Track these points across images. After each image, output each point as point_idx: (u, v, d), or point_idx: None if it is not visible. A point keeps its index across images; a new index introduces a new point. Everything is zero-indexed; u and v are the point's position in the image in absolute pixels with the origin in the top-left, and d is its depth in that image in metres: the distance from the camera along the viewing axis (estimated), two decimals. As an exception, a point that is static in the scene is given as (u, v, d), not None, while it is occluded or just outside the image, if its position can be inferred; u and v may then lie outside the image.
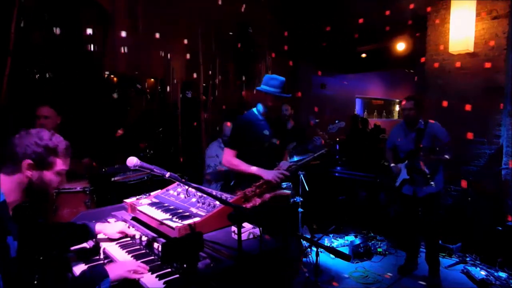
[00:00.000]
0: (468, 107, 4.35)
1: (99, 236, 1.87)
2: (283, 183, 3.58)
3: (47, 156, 1.44)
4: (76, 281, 1.43)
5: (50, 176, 1.46)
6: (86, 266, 1.67)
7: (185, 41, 5.04)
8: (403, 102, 3.55)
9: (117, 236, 1.89)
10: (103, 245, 1.81)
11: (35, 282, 1.44)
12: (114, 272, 1.46)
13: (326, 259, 3.95)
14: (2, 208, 1.33)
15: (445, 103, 4.48)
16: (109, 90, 4.43)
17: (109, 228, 1.91)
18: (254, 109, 2.87)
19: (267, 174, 2.61)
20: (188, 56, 5.12)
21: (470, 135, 4.29)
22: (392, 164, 3.71)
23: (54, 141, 1.47)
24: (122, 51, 4.42)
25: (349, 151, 6.46)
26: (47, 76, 3.73)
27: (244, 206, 2.59)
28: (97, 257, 1.78)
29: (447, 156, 3.34)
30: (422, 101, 3.52)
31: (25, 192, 1.44)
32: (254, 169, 2.67)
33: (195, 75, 5.14)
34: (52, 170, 1.47)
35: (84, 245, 1.88)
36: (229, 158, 2.78)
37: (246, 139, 2.76)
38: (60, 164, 1.49)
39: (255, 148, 2.76)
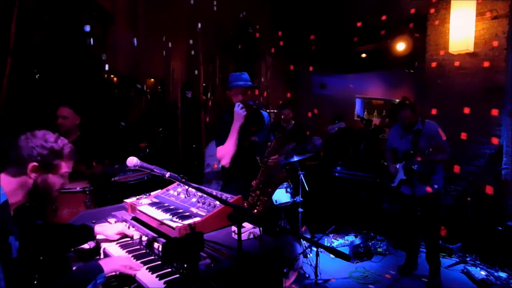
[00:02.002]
0: (467, 110, 4.36)
1: (99, 236, 1.87)
2: (282, 184, 3.60)
3: (52, 159, 1.44)
4: (71, 276, 1.44)
5: (54, 179, 1.47)
6: (86, 266, 1.68)
7: (185, 41, 5.04)
8: (399, 112, 3.50)
9: (117, 237, 1.89)
10: (103, 245, 1.82)
11: (35, 282, 1.44)
12: (108, 266, 1.48)
13: (326, 259, 3.95)
14: (4, 209, 1.33)
15: (452, 98, 4.45)
16: (109, 90, 4.43)
17: (109, 229, 1.91)
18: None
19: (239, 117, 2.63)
20: (188, 56, 5.11)
21: (463, 135, 4.29)
22: (391, 165, 3.72)
23: (59, 143, 1.48)
24: (122, 51, 4.42)
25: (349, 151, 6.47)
26: (47, 76, 3.73)
27: (257, 210, 2.62)
28: (98, 257, 1.78)
29: (443, 156, 3.34)
30: (415, 105, 3.51)
31: (29, 194, 1.44)
32: (234, 128, 2.68)
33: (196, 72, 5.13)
34: (57, 173, 1.47)
35: (85, 245, 1.88)
36: (221, 150, 2.81)
37: (226, 137, 2.80)
38: (64, 167, 1.50)
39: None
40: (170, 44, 4.88)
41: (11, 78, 3.44)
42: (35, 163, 1.40)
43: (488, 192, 4.18)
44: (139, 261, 1.63)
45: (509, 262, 3.67)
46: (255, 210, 2.63)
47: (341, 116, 7.01)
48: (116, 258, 1.61)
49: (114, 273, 1.51)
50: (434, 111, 4.58)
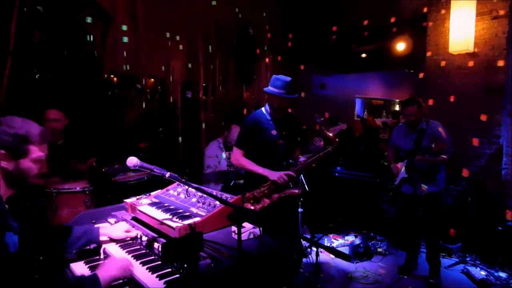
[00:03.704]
0: (467, 110, 4.35)
1: (103, 237, 1.86)
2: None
3: (18, 145, 1.39)
4: None
5: (27, 164, 1.42)
6: (87, 266, 1.67)
7: (185, 41, 5.04)
8: (405, 108, 3.52)
9: (124, 235, 1.88)
10: (103, 245, 1.81)
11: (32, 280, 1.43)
12: (104, 275, 1.43)
13: (326, 259, 3.94)
14: None
15: (452, 98, 4.43)
16: (109, 90, 4.43)
17: (113, 230, 1.89)
18: (263, 109, 2.87)
19: (273, 175, 2.62)
20: (188, 56, 5.11)
21: (475, 141, 4.27)
22: (392, 164, 3.73)
23: (25, 127, 1.42)
24: (122, 51, 4.42)
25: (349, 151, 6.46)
26: (47, 76, 3.73)
27: (254, 207, 2.62)
28: (97, 256, 1.78)
29: (444, 156, 3.34)
30: (422, 102, 3.52)
31: (9, 184, 1.41)
32: (260, 169, 2.68)
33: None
34: (28, 158, 1.42)
35: (85, 245, 1.88)
36: (237, 157, 2.81)
37: (253, 139, 2.78)
38: (36, 151, 1.44)
39: (262, 148, 2.77)
40: (170, 44, 4.88)
41: (11, 78, 3.44)
42: (2, 151, 1.36)
43: (489, 191, 4.18)
44: (139, 261, 1.63)
45: (509, 262, 3.67)
46: (251, 206, 2.63)
47: (337, 117, 7.00)
48: (110, 263, 1.53)
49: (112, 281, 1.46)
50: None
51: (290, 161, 2.79)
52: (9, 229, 1.31)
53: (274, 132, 2.78)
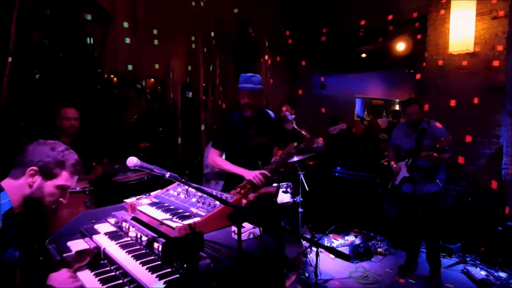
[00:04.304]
0: (466, 110, 4.35)
1: (99, 236, 1.87)
2: (283, 183, 3.59)
3: (52, 167, 1.44)
4: None
5: (50, 189, 1.46)
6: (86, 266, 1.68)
7: (185, 41, 5.04)
8: (407, 108, 3.51)
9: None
10: (103, 245, 1.81)
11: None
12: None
13: (326, 259, 3.95)
14: (9, 217, 1.33)
15: (453, 102, 4.45)
16: (109, 90, 4.43)
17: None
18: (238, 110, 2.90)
19: (248, 174, 2.63)
20: (188, 56, 5.11)
21: (469, 138, 4.28)
22: (393, 163, 3.72)
23: (65, 154, 1.48)
24: (122, 51, 4.42)
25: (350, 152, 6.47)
26: (47, 76, 3.73)
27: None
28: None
29: (447, 155, 3.36)
30: (423, 102, 3.53)
31: (24, 200, 1.43)
32: (236, 168, 2.69)
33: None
34: (54, 182, 1.46)
35: (84, 245, 1.88)
36: (213, 158, 2.83)
37: (227, 139, 2.79)
38: (64, 179, 1.48)
39: (236, 147, 2.79)
40: (170, 44, 4.88)
41: (11, 78, 3.44)
42: (34, 167, 1.40)
43: (489, 191, 4.19)
44: (139, 261, 1.63)
45: (509, 262, 3.67)
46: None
47: (337, 118, 7.01)
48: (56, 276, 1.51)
49: None
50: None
51: (259, 162, 2.77)
52: (10, 246, 1.31)
53: (247, 131, 2.78)
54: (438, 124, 3.51)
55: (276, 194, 2.79)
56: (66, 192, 1.53)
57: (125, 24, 4.40)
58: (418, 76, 4.95)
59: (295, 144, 3.06)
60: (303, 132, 2.94)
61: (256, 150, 2.79)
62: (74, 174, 1.51)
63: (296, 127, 3.04)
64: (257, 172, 2.62)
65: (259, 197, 2.65)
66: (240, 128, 2.80)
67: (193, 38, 5.08)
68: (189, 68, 5.12)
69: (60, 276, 1.50)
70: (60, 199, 1.52)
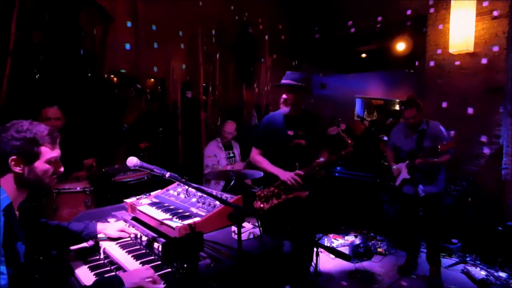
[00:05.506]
0: (467, 110, 4.35)
1: (99, 236, 1.87)
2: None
3: (28, 148, 1.34)
4: None
5: (41, 167, 1.37)
6: (86, 266, 1.67)
7: (185, 41, 5.04)
8: (404, 111, 3.48)
9: (117, 234, 1.88)
10: (103, 244, 1.81)
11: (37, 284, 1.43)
12: (129, 280, 1.38)
13: (326, 259, 3.94)
14: (10, 211, 1.30)
15: (453, 102, 4.44)
16: (109, 90, 4.43)
17: (110, 227, 1.90)
18: (281, 109, 2.83)
19: (283, 175, 2.61)
20: (188, 56, 5.11)
21: (463, 135, 4.27)
22: (393, 165, 3.70)
23: (32, 130, 1.36)
24: (122, 51, 4.42)
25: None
26: (47, 76, 3.73)
27: (263, 205, 2.61)
28: (97, 256, 1.78)
29: (447, 156, 3.34)
30: (421, 104, 3.49)
31: (23, 188, 1.38)
32: (272, 168, 2.69)
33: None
34: (41, 160, 1.37)
35: (84, 244, 1.88)
36: (253, 155, 2.86)
37: (267, 139, 2.79)
38: (48, 152, 1.39)
39: (274, 147, 2.77)
40: (170, 44, 4.88)
41: (11, 78, 3.44)
42: (13, 157, 1.31)
43: (489, 191, 4.19)
44: (139, 261, 1.63)
45: (509, 262, 3.67)
46: (260, 204, 2.62)
47: (336, 118, 6.98)
48: (136, 271, 1.48)
49: None
50: (433, 109, 4.57)
51: (297, 163, 2.72)
52: (18, 239, 1.30)
53: (288, 131, 2.74)
54: (438, 124, 3.50)
55: (308, 198, 2.70)
56: (58, 162, 1.45)
57: (129, 24, 4.40)
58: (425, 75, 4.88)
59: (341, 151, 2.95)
60: (349, 140, 2.85)
61: (293, 151, 2.73)
62: (53, 143, 1.42)
63: (342, 133, 3.00)
64: (292, 174, 2.59)
65: (287, 200, 2.62)
66: (279, 127, 2.76)
67: (192, 39, 5.08)
68: (189, 66, 5.12)
69: (137, 275, 1.42)
70: (57, 170, 1.45)
